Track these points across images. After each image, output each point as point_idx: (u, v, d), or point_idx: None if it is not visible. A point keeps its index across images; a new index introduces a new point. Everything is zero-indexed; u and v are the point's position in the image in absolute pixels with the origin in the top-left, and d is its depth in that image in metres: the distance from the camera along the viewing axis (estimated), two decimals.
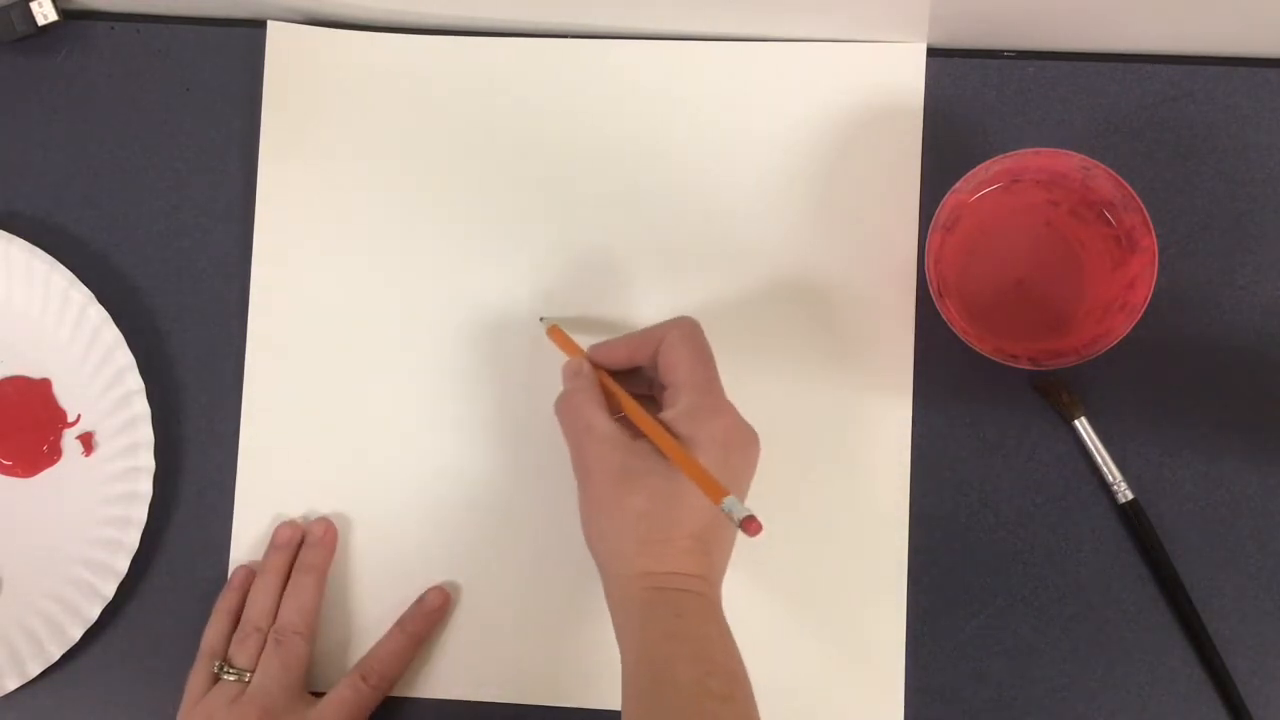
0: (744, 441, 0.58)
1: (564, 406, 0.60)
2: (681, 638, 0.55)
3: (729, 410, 0.58)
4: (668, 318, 0.63)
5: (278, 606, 0.64)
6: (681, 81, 0.68)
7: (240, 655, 0.63)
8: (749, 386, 0.66)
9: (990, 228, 0.65)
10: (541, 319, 0.66)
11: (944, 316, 0.61)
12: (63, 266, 0.67)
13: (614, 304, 0.67)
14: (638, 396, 0.60)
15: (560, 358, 0.63)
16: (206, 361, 0.68)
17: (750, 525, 0.52)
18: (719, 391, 0.59)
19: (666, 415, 0.58)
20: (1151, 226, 0.60)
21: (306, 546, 0.66)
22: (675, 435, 0.57)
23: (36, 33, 0.68)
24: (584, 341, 0.64)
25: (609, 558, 0.58)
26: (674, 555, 0.56)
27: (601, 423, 0.58)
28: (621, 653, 0.56)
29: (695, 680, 0.53)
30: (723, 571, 0.58)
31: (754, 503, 0.63)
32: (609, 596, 0.58)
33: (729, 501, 0.53)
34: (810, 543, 0.65)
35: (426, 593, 0.65)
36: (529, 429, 0.66)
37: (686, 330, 0.60)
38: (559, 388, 0.65)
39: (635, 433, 0.58)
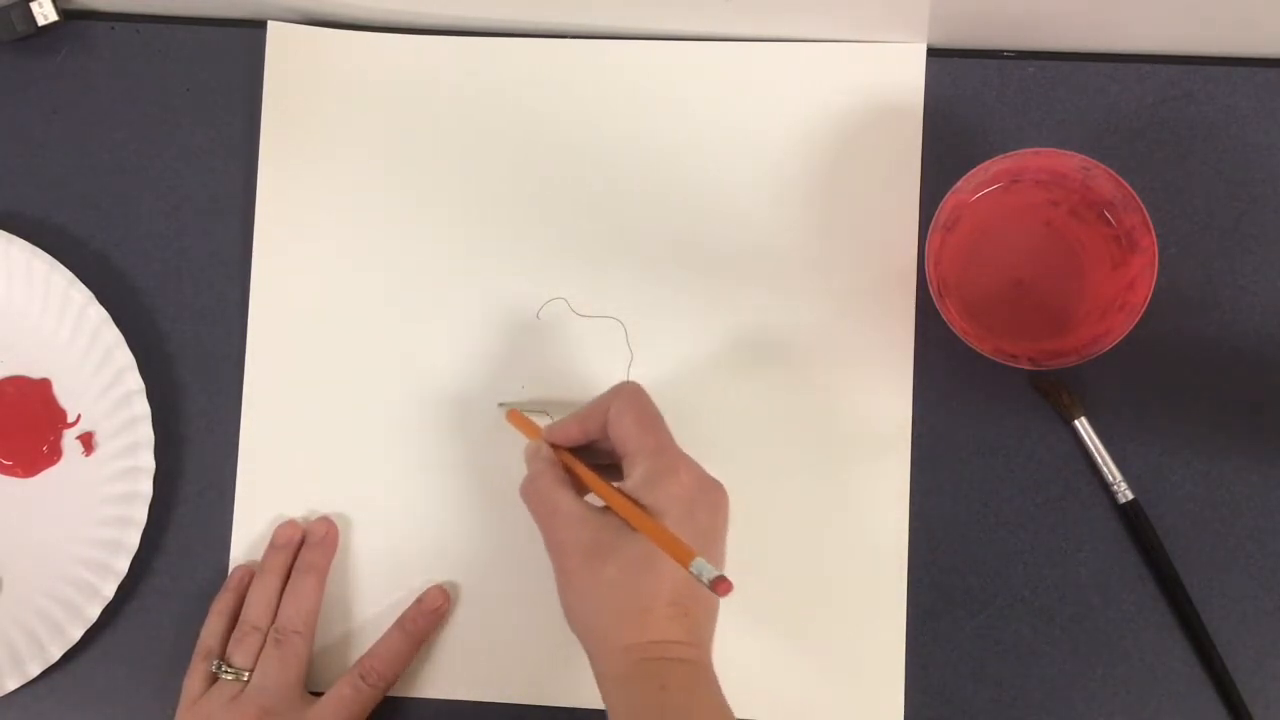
0: (708, 497, 0.57)
1: (529, 490, 0.59)
2: (668, 711, 0.54)
3: (687, 467, 0.57)
4: (665, 320, 0.63)
5: (277, 606, 0.64)
6: (681, 81, 0.68)
7: (239, 655, 0.63)
8: (748, 387, 0.66)
9: (990, 228, 0.65)
10: (500, 404, 0.66)
11: (944, 316, 0.61)
12: (63, 266, 0.67)
13: (615, 304, 0.67)
14: (607, 467, 0.60)
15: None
16: (206, 361, 0.68)
17: (720, 585, 0.51)
18: (673, 451, 0.58)
19: (626, 486, 0.57)
20: (1151, 226, 0.60)
21: (307, 546, 0.66)
22: (638, 504, 0.56)
23: (36, 33, 0.68)
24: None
25: (590, 634, 0.57)
26: (655, 624, 0.55)
27: (567, 501, 0.58)
28: None
29: None
30: (710, 631, 0.57)
31: (753, 503, 0.64)
32: (595, 673, 0.57)
33: (697, 563, 0.52)
34: (810, 543, 0.65)
35: (426, 592, 0.65)
36: None
37: (629, 397, 0.59)
38: (557, 386, 0.65)
39: (605, 508, 0.58)
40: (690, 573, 0.52)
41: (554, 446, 0.60)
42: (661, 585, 0.55)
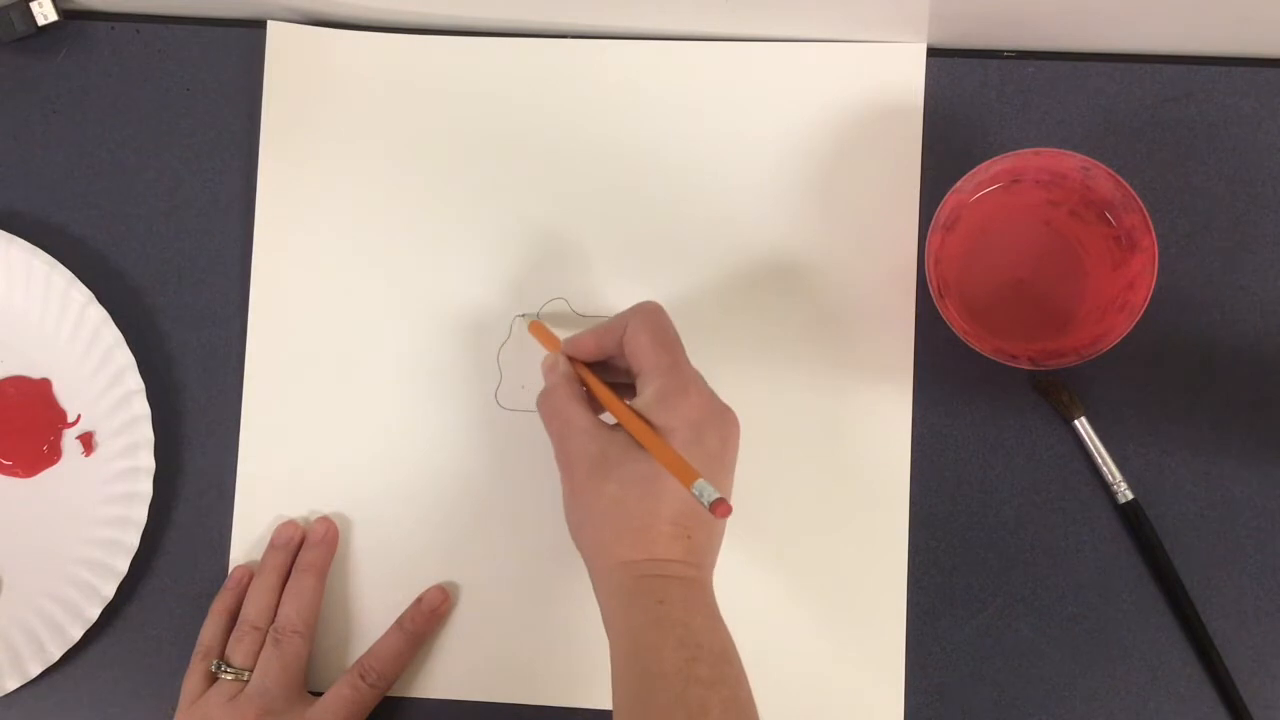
0: (718, 421, 0.57)
1: (543, 402, 0.60)
2: (665, 624, 0.54)
3: (699, 390, 0.57)
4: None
5: (277, 606, 0.64)
6: (681, 82, 0.68)
7: (238, 654, 0.63)
8: (749, 387, 0.66)
9: (990, 228, 0.65)
10: (522, 315, 0.66)
11: (944, 316, 0.61)
12: (63, 266, 0.67)
13: (615, 303, 0.67)
14: (621, 385, 0.60)
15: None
16: (206, 361, 0.68)
17: (719, 508, 0.51)
18: (687, 372, 0.58)
19: (636, 403, 0.57)
20: (1151, 226, 0.60)
21: (307, 546, 0.66)
22: (647, 422, 0.56)
23: (36, 33, 0.68)
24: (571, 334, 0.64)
25: (591, 548, 0.57)
26: (654, 541, 0.55)
27: (579, 415, 0.58)
28: (610, 644, 0.56)
29: (681, 667, 0.53)
30: (711, 555, 0.58)
31: (753, 500, 0.64)
32: (595, 588, 0.57)
33: (699, 484, 0.52)
34: (811, 543, 0.65)
35: (426, 592, 0.65)
36: (530, 427, 0.66)
37: (647, 315, 0.59)
38: None
39: (617, 425, 0.58)
40: (691, 493, 0.52)
41: (571, 361, 0.61)
42: (663, 504, 0.55)
